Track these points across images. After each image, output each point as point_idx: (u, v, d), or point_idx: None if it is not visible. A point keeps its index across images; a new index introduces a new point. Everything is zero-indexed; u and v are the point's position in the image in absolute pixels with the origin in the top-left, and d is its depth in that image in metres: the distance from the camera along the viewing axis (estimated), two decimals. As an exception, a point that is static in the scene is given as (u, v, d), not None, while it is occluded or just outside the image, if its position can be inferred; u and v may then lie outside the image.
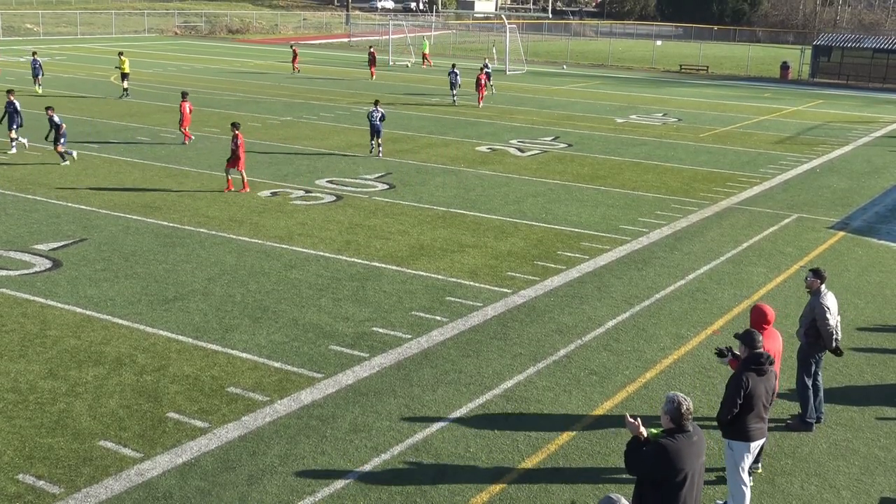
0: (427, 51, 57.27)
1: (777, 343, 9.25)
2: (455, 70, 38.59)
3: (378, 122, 25.56)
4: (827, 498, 9.07)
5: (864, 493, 9.20)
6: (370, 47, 51.23)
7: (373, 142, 25.98)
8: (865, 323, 14.01)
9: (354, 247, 16.84)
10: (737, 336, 8.60)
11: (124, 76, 36.30)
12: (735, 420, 8.27)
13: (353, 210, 19.58)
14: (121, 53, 37.31)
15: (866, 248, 18.28)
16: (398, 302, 14.01)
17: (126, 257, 15.81)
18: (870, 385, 11.81)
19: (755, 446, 8.50)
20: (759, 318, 9.16)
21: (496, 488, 8.98)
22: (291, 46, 53.83)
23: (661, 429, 6.69)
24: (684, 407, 6.57)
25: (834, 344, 10.39)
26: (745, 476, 8.48)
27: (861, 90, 52.93)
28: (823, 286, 10.46)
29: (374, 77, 47.77)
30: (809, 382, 10.43)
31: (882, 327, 13.89)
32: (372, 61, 47.89)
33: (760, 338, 8.47)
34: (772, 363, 8.43)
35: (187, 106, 26.65)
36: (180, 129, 26.82)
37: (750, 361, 8.31)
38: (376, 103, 26.13)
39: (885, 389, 11.69)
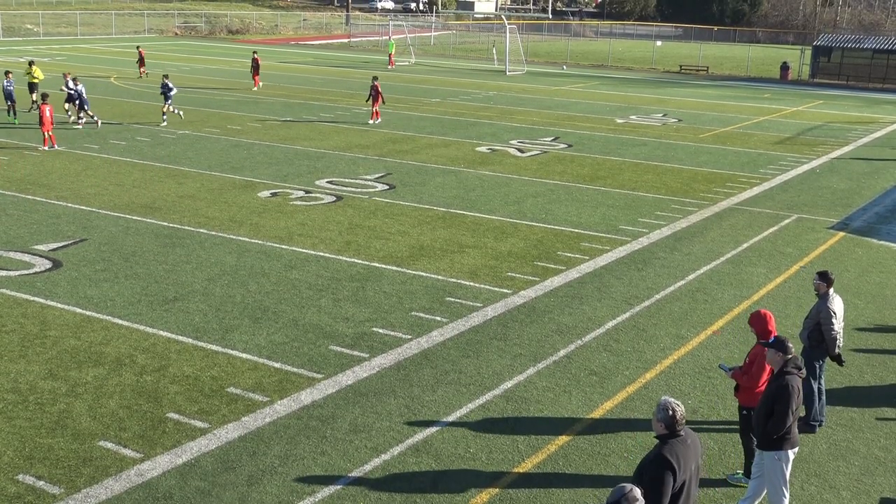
0: (392, 51, 57.14)
1: None
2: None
3: (169, 91, 30.54)
4: (827, 498, 9.07)
5: (864, 493, 9.20)
6: (254, 52, 43.19)
7: (170, 107, 30.65)
8: (865, 323, 14.01)
9: (354, 247, 16.84)
10: (766, 344, 8.37)
11: (33, 87, 32.59)
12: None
13: (353, 210, 19.58)
14: (31, 62, 33.86)
15: (866, 249, 18.28)
16: (398, 302, 14.01)
17: (126, 258, 15.81)
18: (870, 385, 11.81)
19: (797, 450, 8.34)
20: (764, 324, 8.98)
21: (496, 488, 8.97)
22: (137, 48, 46.91)
23: None
24: (679, 413, 6.54)
25: (837, 350, 10.29)
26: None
27: (861, 91, 52.93)
28: (831, 290, 10.37)
29: (259, 86, 41.56)
30: (815, 385, 10.38)
31: (882, 328, 13.89)
32: (256, 69, 41.40)
33: (791, 343, 8.28)
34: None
35: (47, 109, 25.19)
36: (42, 132, 25.25)
37: (790, 364, 8.11)
38: (165, 76, 31.06)
39: (885, 390, 11.69)
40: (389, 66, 56.19)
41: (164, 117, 30.61)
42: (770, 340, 8.42)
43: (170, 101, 30.49)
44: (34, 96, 32.54)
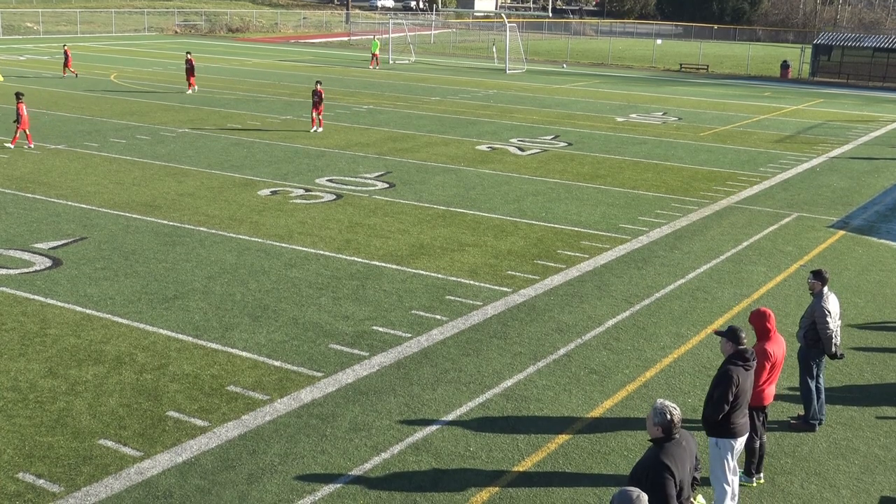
0: (377, 51, 54.30)
1: (781, 348, 9.15)
2: None
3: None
4: (827, 497, 9.07)
5: (864, 492, 9.20)
6: (188, 53, 40.03)
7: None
8: (865, 322, 14.02)
9: (354, 245, 16.84)
10: (719, 333, 8.50)
11: None
12: (723, 417, 8.23)
13: (353, 209, 19.57)
14: None
15: (866, 247, 18.28)
16: (398, 301, 14.01)
17: (126, 256, 15.81)
18: (869, 384, 11.81)
19: (741, 441, 8.47)
20: (762, 321, 9.01)
21: (496, 487, 8.98)
22: (64, 46, 45.17)
23: None
24: (676, 416, 6.54)
25: (833, 349, 10.29)
26: (733, 469, 8.44)
27: (861, 89, 52.92)
28: (826, 288, 10.36)
29: (195, 89, 38.61)
30: (812, 384, 10.38)
31: (882, 326, 13.89)
32: (190, 71, 38.32)
33: (744, 333, 8.41)
34: (755, 359, 8.41)
35: (24, 108, 24.75)
36: (21, 131, 24.92)
37: (736, 356, 8.27)
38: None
39: (885, 388, 11.69)
40: (370, 66, 53.17)
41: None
42: (727, 329, 8.50)
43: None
44: None
